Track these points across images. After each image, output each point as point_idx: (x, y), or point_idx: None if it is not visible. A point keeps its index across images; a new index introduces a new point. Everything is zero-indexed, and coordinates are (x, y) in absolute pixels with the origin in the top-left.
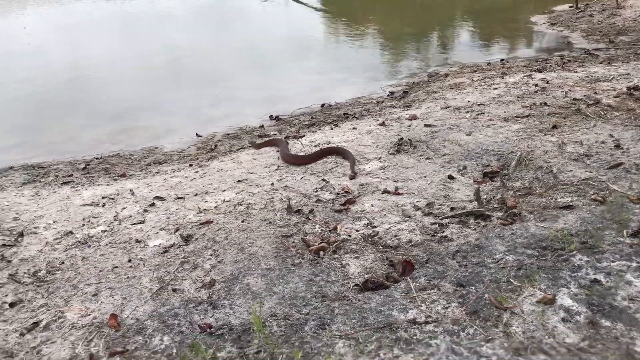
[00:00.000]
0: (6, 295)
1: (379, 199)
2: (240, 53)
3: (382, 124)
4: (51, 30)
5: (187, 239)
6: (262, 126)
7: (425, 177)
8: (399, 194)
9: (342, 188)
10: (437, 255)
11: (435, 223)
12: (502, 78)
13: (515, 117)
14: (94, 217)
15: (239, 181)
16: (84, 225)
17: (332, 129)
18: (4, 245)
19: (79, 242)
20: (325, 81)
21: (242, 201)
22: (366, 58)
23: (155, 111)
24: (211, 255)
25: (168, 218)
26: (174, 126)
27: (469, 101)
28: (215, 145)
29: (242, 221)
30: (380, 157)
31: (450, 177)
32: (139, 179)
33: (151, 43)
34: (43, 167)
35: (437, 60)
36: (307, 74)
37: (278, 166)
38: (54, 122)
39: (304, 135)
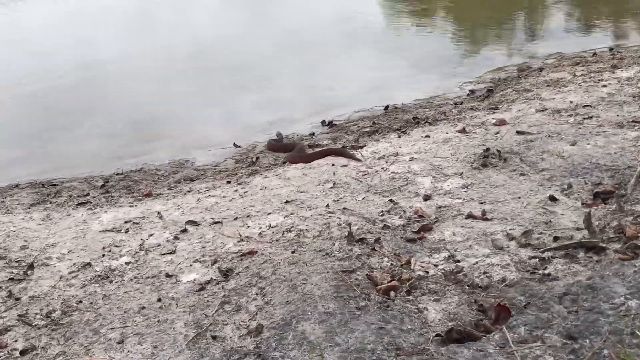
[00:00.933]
0: (16, 341)
1: (462, 226)
2: (280, 45)
3: (463, 130)
4: (57, 21)
5: (226, 274)
6: (313, 134)
7: (519, 198)
8: (487, 219)
9: (414, 211)
10: (539, 298)
11: (534, 257)
12: (613, 72)
13: (632, 122)
14: (116, 246)
15: (286, 202)
16: (104, 255)
17: (399, 137)
18: (11, 279)
19: (99, 276)
20: (387, 78)
21: (292, 227)
22: (437, 48)
23: (183, 117)
24: (257, 294)
25: (203, 247)
26: (206, 135)
27: (571, 102)
28: (257, 158)
29: (293, 252)
30: (462, 173)
31: (552, 199)
32: (167, 199)
33: (173, 35)
34: (54, 185)
35: (528, 51)
36: (364, 69)
37: (334, 183)
38: (64, 130)
39: (365, 145)
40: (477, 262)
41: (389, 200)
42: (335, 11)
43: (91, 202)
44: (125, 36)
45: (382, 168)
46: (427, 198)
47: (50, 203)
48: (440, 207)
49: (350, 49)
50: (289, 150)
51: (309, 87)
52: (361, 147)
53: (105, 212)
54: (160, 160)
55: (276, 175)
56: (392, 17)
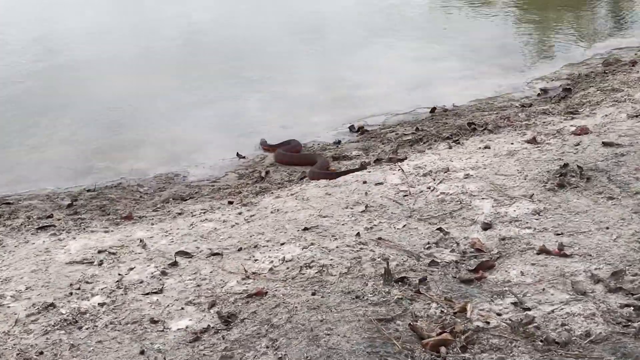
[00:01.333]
0: None
1: (533, 263)
2: (294, 28)
3: (532, 140)
4: None
5: (228, 320)
6: (339, 142)
7: (607, 228)
8: (565, 255)
9: (470, 243)
10: (635, 359)
11: (628, 305)
12: None
13: None
14: (87, 282)
15: (305, 229)
16: (71, 294)
17: (450, 147)
18: None
19: (66, 320)
20: (433, 72)
21: (312, 261)
22: (499, 35)
23: (172, 118)
24: (267, 347)
25: (198, 286)
26: (202, 141)
27: None
28: (267, 172)
29: (313, 293)
30: (532, 195)
31: None
32: (152, 224)
33: (160, 16)
34: (8, 204)
35: (614, 40)
36: (403, 60)
37: (366, 206)
38: (22, 134)
39: (406, 158)
40: (552, 311)
41: (438, 229)
42: None
43: (55, 226)
44: (99, 16)
45: (429, 187)
46: (486, 227)
47: (4, 226)
48: (504, 238)
49: (386, 34)
50: (305, 162)
51: (331, 82)
52: (401, 160)
53: (74, 238)
54: (143, 174)
55: (291, 194)
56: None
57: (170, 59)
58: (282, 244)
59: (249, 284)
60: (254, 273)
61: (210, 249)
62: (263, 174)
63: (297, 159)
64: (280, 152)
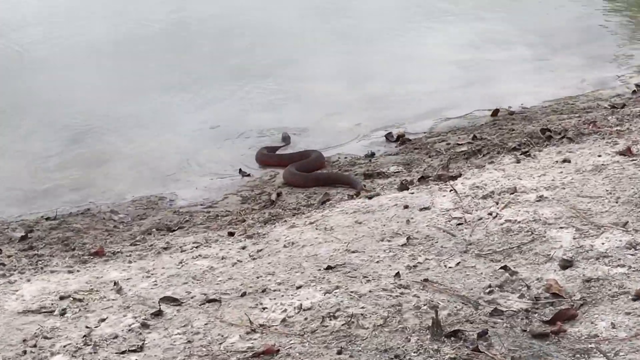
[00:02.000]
0: None
1: (628, 312)
2: (312, 8)
3: (626, 151)
4: None
5: None
6: (372, 155)
7: None
8: None
9: (545, 286)
10: None
11: None
12: None
13: None
14: (46, 337)
15: (328, 268)
16: (25, 353)
17: (518, 161)
18: None
19: None
20: (494, 62)
21: (338, 310)
22: (581, 14)
23: (156, 125)
24: None
25: (190, 342)
26: (194, 154)
27: None
28: (279, 195)
29: (339, 352)
30: (626, 223)
31: None
32: (129, 262)
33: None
34: None
35: None
36: (452, 48)
37: (408, 238)
38: None
39: (460, 175)
40: None
41: (502, 268)
42: None
43: (4, 265)
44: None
45: (490, 213)
46: (566, 265)
47: None
48: (589, 280)
49: (431, 13)
50: (324, 181)
51: (361, 76)
52: (454, 179)
53: (28, 281)
54: (117, 197)
55: (310, 223)
56: None
57: (154, 48)
58: (299, 288)
59: (255, 339)
60: (261, 325)
61: (204, 294)
62: (274, 197)
63: (314, 180)
64: (291, 171)
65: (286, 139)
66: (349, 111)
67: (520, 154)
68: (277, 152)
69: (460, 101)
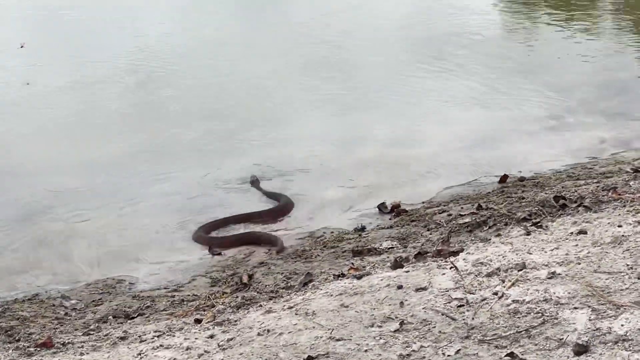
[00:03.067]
0: None
1: None
2: (297, 61)
3: None
4: None
5: None
6: (363, 229)
7: None
8: None
9: None
10: None
11: None
12: None
13: None
14: None
15: (309, 358)
16: None
17: (527, 233)
18: None
19: None
20: (503, 120)
21: None
22: (598, 67)
23: (113, 196)
24: None
25: None
26: (157, 231)
27: None
28: (251, 276)
29: None
30: None
31: None
32: (82, 354)
33: (101, 40)
34: None
35: None
36: (458, 105)
37: (402, 322)
38: None
39: (462, 250)
40: None
41: (508, 355)
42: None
43: None
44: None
45: (495, 293)
46: (581, 350)
47: None
48: None
49: (436, 64)
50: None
51: (351, 139)
52: (455, 254)
53: None
54: (70, 281)
55: (290, 307)
56: (519, 15)
57: (110, 106)
58: None
59: None
60: None
61: None
62: (245, 279)
63: (230, 242)
64: (198, 234)
65: (255, 183)
66: (336, 178)
67: (531, 225)
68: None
69: (464, 166)
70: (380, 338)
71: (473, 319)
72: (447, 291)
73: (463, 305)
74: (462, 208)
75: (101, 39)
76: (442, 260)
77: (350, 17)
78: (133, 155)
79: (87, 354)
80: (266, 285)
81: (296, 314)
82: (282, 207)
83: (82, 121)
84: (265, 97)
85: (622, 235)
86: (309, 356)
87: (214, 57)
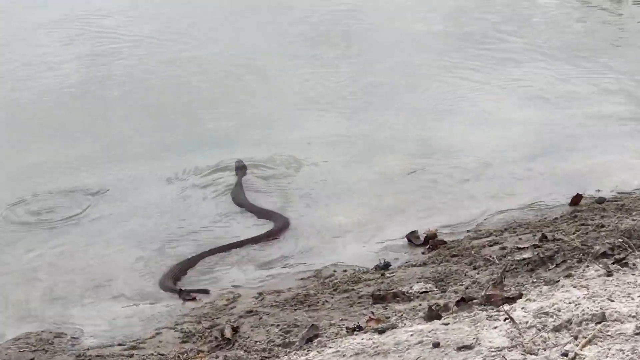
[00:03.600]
0: None
1: None
2: (296, 42)
3: None
4: None
5: None
6: (387, 266)
7: None
8: None
9: None
10: None
11: None
12: None
13: None
14: None
15: None
16: None
17: (609, 273)
18: None
19: None
20: (574, 123)
21: None
22: None
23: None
24: None
25: None
26: (109, 267)
27: None
28: (235, 330)
29: None
30: None
31: None
32: None
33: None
34: None
35: None
36: (505, 102)
37: None
38: None
39: (521, 296)
40: None
41: None
42: None
43: None
44: None
45: (565, 354)
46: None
47: None
48: None
49: (482, 50)
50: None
51: (371, 145)
52: (511, 301)
53: None
54: None
55: None
56: None
57: (51, 110)
58: None
59: None
60: None
61: None
62: (228, 333)
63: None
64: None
65: (241, 169)
66: (352, 196)
67: (613, 263)
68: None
69: (523, 183)
70: None
71: None
72: (501, 351)
73: None
74: (520, 239)
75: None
76: (493, 309)
77: None
78: (83, 160)
79: None
80: (256, 342)
81: None
82: (275, 231)
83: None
84: (256, 86)
85: None
86: None
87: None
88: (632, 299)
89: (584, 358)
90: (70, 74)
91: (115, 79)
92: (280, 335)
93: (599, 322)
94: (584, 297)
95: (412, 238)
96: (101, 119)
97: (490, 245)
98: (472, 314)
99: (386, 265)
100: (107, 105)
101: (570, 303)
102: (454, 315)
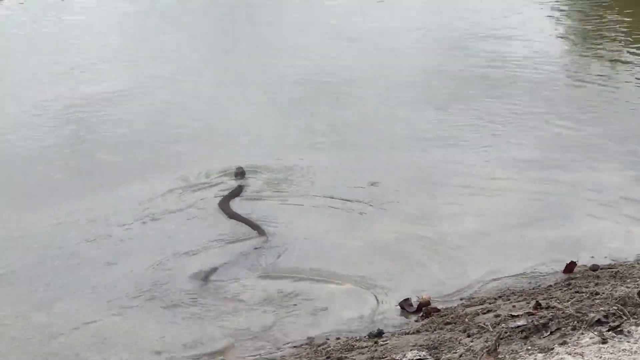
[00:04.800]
0: None
1: None
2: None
3: None
4: None
5: None
6: (380, 333)
7: None
8: None
9: None
10: None
11: None
12: None
13: None
14: None
15: None
16: None
17: (604, 341)
18: None
19: None
20: (564, 189)
21: None
22: None
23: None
24: None
25: None
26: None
27: None
28: None
29: None
30: None
31: None
32: None
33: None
34: None
35: None
36: (499, 167)
37: None
38: None
39: None
40: None
41: None
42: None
43: None
44: None
45: None
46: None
47: None
48: None
49: (473, 111)
50: None
51: (356, 205)
52: None
53: None
54: None
55: None
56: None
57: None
58: None
59: None
60: None
61: None
62: None
63: None
64: None
65: (240, 175)
66: (346, 263)
67: (608, 331)
68: None
69: (517, 249)
70: None
71: None
72: None
73: None
74: (514, 307)
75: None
76: None
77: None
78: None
79: None
80: None
81: None
82: None
83: None
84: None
85: None
86: None
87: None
88: None
89: None
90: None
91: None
92: None
93: None
94: None
95: (405, 305)
96: None
97: (484, 313)
98: None
99: (379, 333)
100: None
101: None
102: None
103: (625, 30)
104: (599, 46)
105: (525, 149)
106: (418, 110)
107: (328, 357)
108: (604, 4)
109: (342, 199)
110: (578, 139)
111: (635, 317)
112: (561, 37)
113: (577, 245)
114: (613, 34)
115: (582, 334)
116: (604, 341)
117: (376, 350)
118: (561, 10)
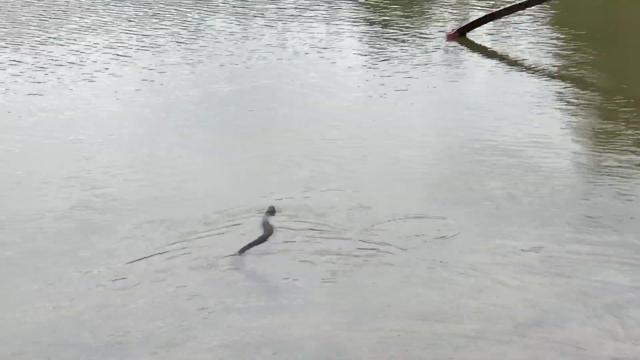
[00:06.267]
0: None
1: None
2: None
3: None
4: None
5: None
6: None
7: None
8: None
9: None
10: None
11: None
12: None
13: None
14: None
15: None
16: None
17: None
18: None
19: None
20: (566, 293)
21: None
22: None
23: None
24: None
25: None
26: None
27: None
28: None
29: None
30: None
31: None
32: None
33: None
34: None
35: None
36: (501, 270)
37: None
38: None
39: None
40: None
41: None
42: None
43: None
44: None
45: None
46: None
47: None
48: None
49: (471, 211)
50: None
51: (361, 305)
52: None
53: None
54: None
55: None
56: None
57: None
58: None
59: None
60: None
61: None
62: None
63: None
64: None
65: (270, 214)
66: None
67: None
68: None
69: (517, 351)
70: None
71: None
72: None
73: None
74: None
75: None
76: None
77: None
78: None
79: None
80: None
81: None
82: None
83: None
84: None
85: None
86: None
87: None
88: None
89: None
90: None
91: None
92: None
93: None
94: None
95: None
96: None
97: None
98: None
99: None
100: None
101: None
102: None
103: None
104: None
105: (527, 251)
106: None
107: None
108: None
109: (336, 297)
110: (582, 244)
111: None
112: None
113: (578, 347)
114: None
115: None
116: None
117: None
118: None
